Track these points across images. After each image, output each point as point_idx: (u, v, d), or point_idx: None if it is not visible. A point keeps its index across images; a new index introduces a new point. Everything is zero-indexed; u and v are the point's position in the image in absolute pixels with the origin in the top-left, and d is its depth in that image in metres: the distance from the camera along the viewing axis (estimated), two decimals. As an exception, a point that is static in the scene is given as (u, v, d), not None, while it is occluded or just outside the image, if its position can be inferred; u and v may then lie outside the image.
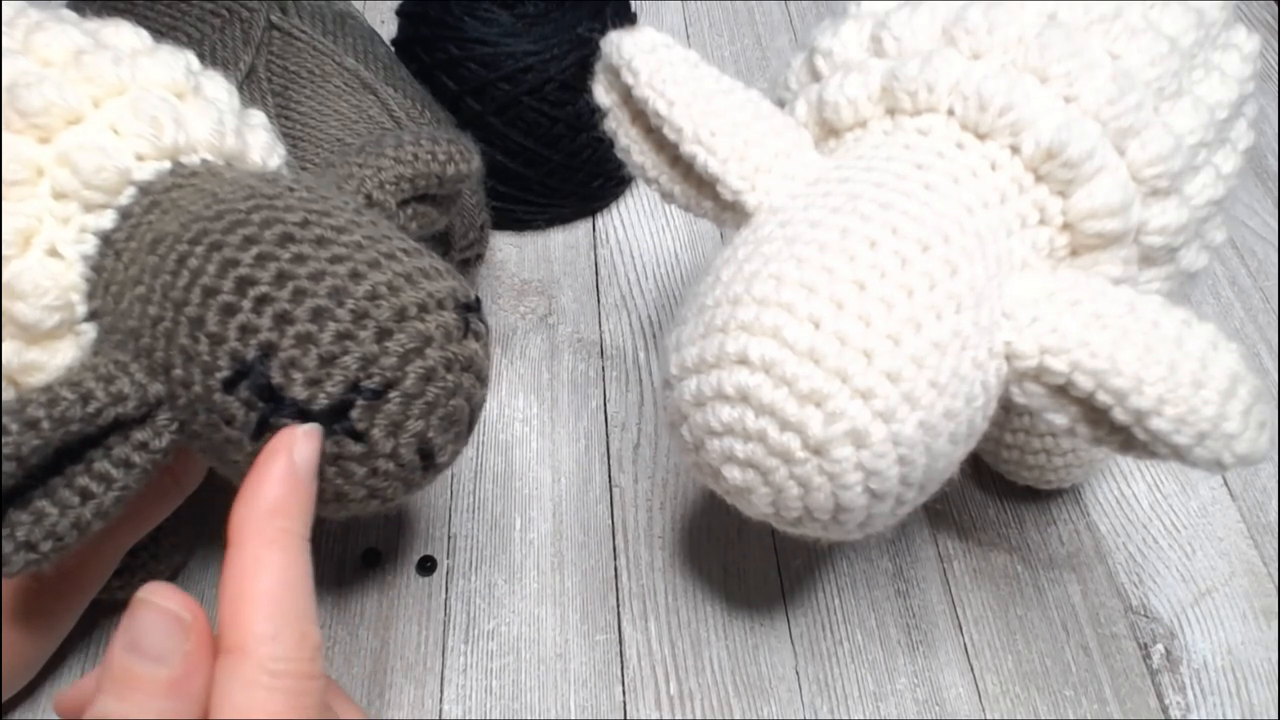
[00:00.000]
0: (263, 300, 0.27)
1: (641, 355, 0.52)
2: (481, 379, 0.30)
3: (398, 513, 0.45)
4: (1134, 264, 0.34)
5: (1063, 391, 0.30)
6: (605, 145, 0.38)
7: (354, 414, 0.27)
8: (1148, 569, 0.44)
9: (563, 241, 0.57)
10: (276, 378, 0.27)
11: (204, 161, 0.31)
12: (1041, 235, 0.32)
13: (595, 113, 0.37)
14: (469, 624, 0.42)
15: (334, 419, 0.27)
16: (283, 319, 0.27)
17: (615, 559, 0.44)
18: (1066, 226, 0.32)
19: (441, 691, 0.40)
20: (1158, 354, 0.28)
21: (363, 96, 0.45)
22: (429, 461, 0.29)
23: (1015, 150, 0.31)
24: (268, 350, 0.27)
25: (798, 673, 0.41)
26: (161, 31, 0.48)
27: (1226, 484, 0.47)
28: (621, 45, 0.34)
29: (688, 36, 0.70)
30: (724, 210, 0.35)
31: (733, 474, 0.30)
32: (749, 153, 0.33)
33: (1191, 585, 0.44)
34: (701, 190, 0.35)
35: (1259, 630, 0.43)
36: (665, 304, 0.54)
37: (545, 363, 0.51)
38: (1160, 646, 0.42)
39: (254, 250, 0.27)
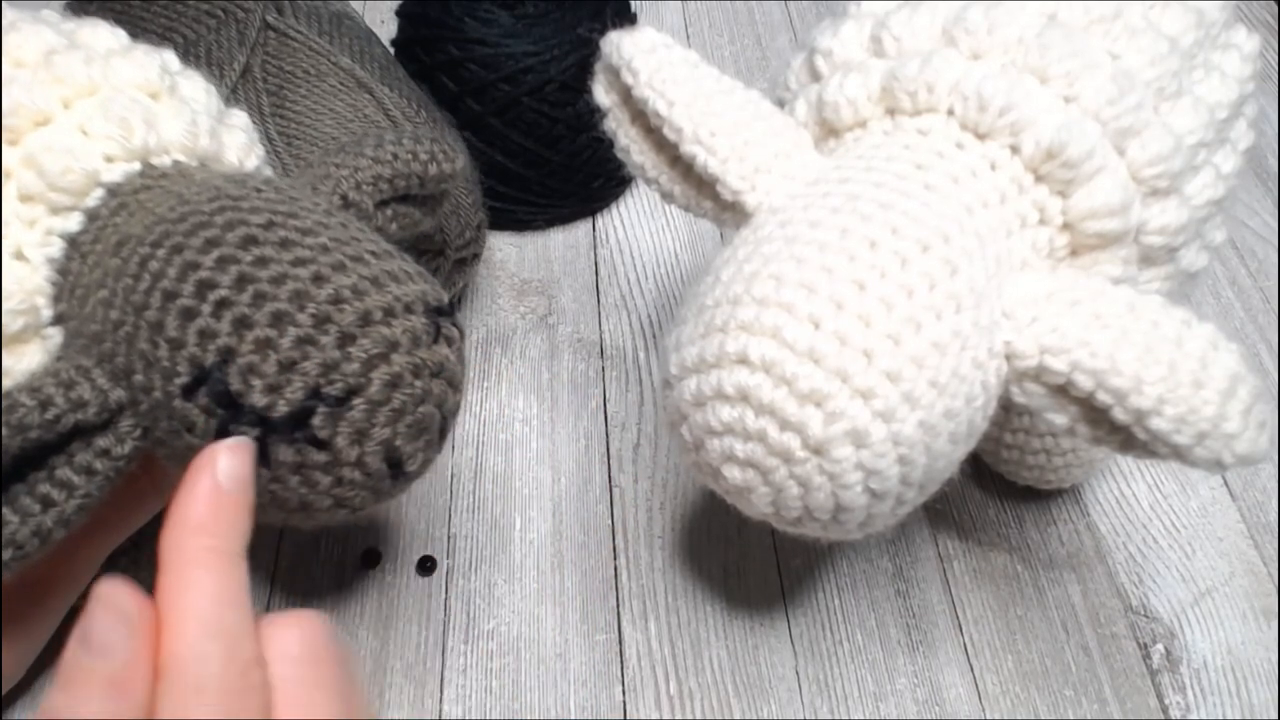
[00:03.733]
0: (222, 304, 0.26)
1: (641, 355, 0.52)
2: (454, 385, 0.30)
3: (397, 513, 0.45)
4: (1134, 264, 0.34)
5: (1063, 391, 0.30)
6: (605, 146, 0.38)
7: (315, 421, 0.26)
8: (1148, 569, 0.44)
9: (563, 241, 0.57)
10: (235, 384, 0.26)
11: (176, 163, 0.31)
12: (1041, 235, 0.32)
13: (595, 113, 0.37)
14: (469, 624, 0.42)
15: (295, 427, 0.26)
16: (242, 323, 0.26)
17: (615, 559, 0.44)
18: (1066, 226, 0.32)
19: (441, 691, 0.40)
20: (1158, 354, 0.28)
21: (358, 96, 0.45)
22: (397, 470, 0.29)
23: (1015, 150, 0.31)
24: (226, 356, 0.26)
25: (798, 673, 0.41)
26: (158, 33, 0.48)
27: (1226, 484, 0.47)
28: (621, 45, 0.34)
29: (688, 36, 0.70)
30: (724, 210, 0.35)
31: (733, 474, 0.30)
32: (749, 153, 0.33)
33: (1191, 585, 0.44)
34: (701, 190, 0.35)
35: (1259, 630, 0.43)
36: (665, 304, 0.54)
37: (545, 363, 0.51)
38: (1160, 646, 0.42)
39: (215, 253, 0.27)
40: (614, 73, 0.35)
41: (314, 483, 0.27)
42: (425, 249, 0.44)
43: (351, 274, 0.27)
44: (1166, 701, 0.41)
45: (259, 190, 0.29)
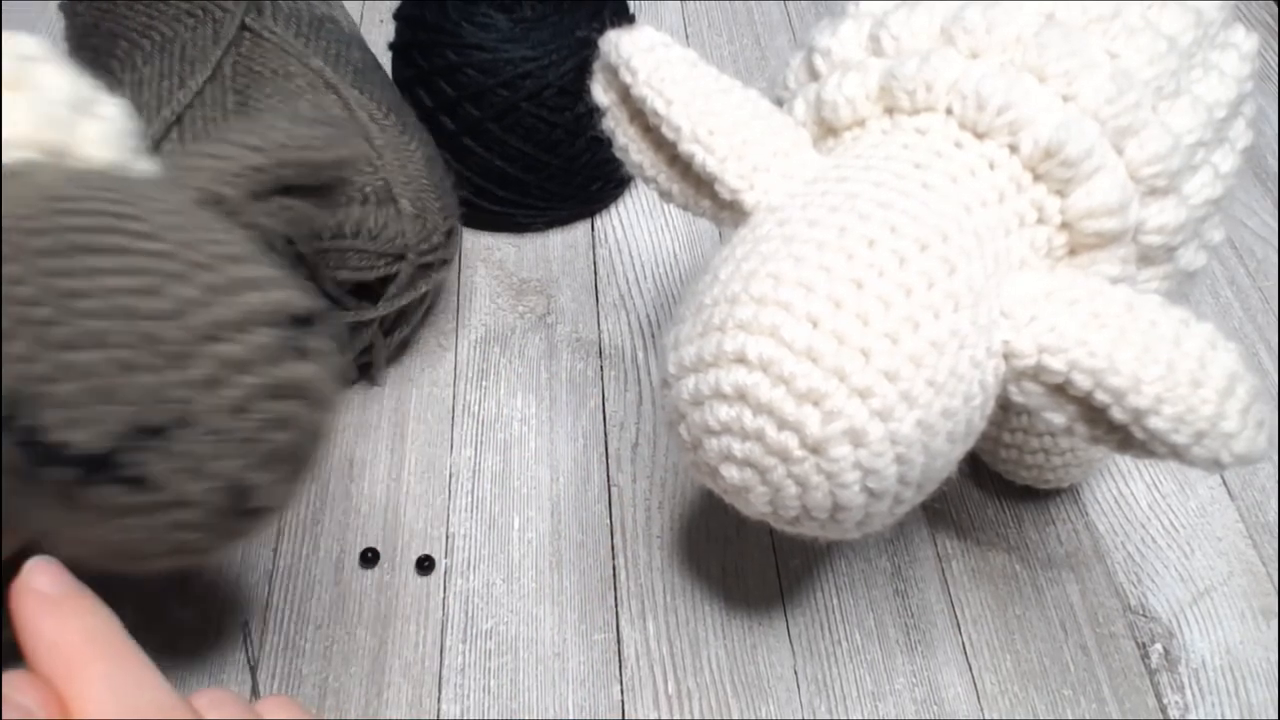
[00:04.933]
0: (30, 322, 0.22)
1: (640, 354, 0.52)
2: (318, 404, 0.26)
3: (395, 512, 0.45)
4: (1132, 263, 0.34)
5: (1061, 390, 0.30)
6: (604, 149, 0.38)
7: (136, 457, 0.23)
8: (1146, 568, 0.44)
9: (561, 241, 0.57)
10: (44, 419, 0.22)
11: (24, 159, 0.27)
12: (1040, 234, 0.32)
13: (594, 117, 0.37)
14: (467, 623, 0.42)
15: (114, 465, 0.23)
16: (51, 346, 0.22)
17: (614, 558, 0.44)
18: (1065, 225, 0.32)
19: (439, 691, 0.40)
20: (1156, 353, 0.28)
21: (324, 96, 0.46)
22: (247, 506, 0.25)
23: (1013, 149, 0.31)
24: (32, 386, 0.22)
25: (796, 672, 0.41)
26: (136, 30, 0.49)
27: (1225, 483, 0.47)
28: (620, 44, 0.34)
29: (686, 36, 0.70)
30: (722, 209, 0.35)
31: (730, 473, 0.30)
32: (747, 152, 0.33)
33: (1190, 585, 0.44)
34: (700, 189, 0.35)
35: (1258, 630, 0.43)
36: (663, 303, 0.54)
37: (544, 362, 0.51)
38: (1159, 646, 0.42)
39: (30, 263, 0.23)
40: (612, 71, 0.35)
41: (141, 527, 0.24)
42: (382, 252, 0.44)
43: (194, 284, 0.24)
44: (1165, 701, 0.41)
45: (105, 189, 0.26)
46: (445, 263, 0.48)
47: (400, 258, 0.45)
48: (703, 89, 0.33)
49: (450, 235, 0.48)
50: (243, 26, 0.47)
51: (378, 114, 0.46)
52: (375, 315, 0.45)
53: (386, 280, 0.45)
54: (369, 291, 0.46)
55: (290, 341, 0.25)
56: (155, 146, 0.45)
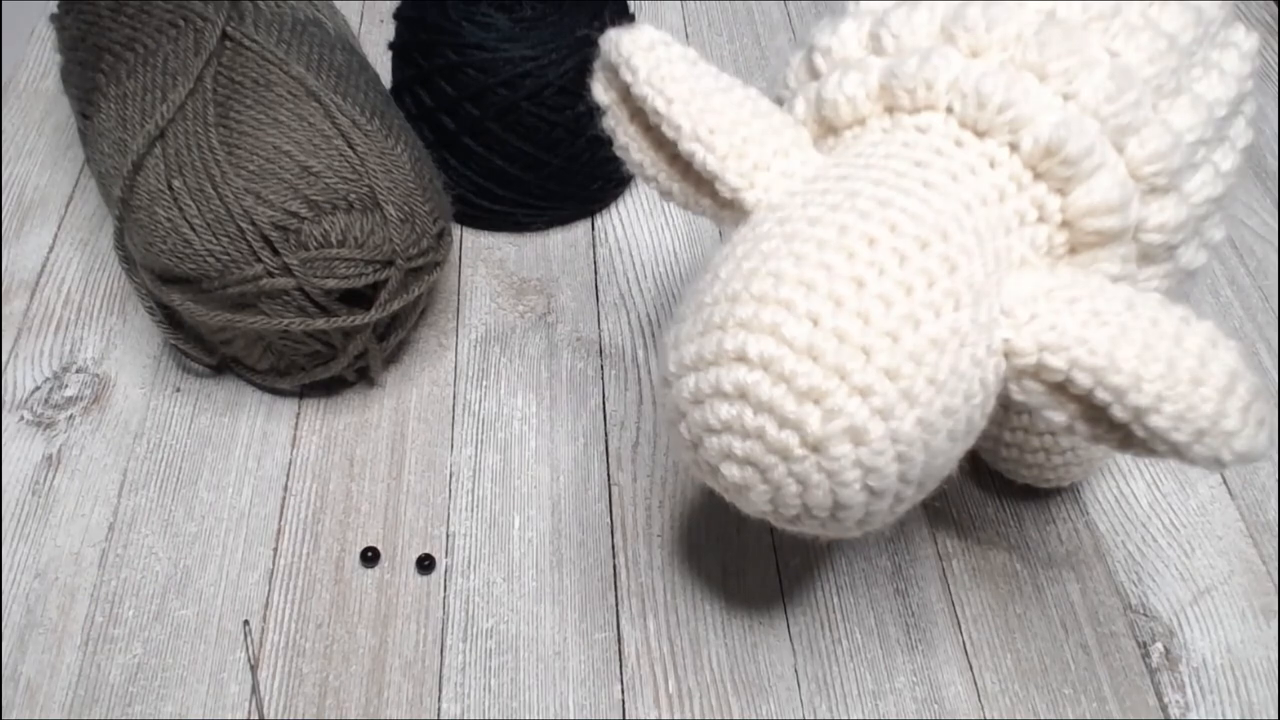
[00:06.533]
0: None
1: (640, 353, 0.52)
2: None
3: (396, 511, 0.45)
4: (1133, 262, 0.34)
5: (1061, 389, 0.30)
6: (604, 148, 0.38)
7: None
8: (1147, 567, 0.44)
9: (562, 240, 0.57)
10: None
11: None
12: (1040, 232, 0.32)
13: (594, 116, 0.37)
14: (467, 622, 0.42)
15: None
16: None
17: (614, 557, 0.44)
18: (1065, 224, 0.32)
19: (440, 690, 0.40)
20: (1156, 351, 0.28)
21: (305, 104, 0.46)
22: None
23: (1014, 147, 0.31)
24: None
25: (796, 671, 0.41)
26: (121, 43, 0.49)
27: (1225, 482, 0.47)
28: (620, 43, 0.34)
29: (686, 36, 0.70)
30: (722, 208, 0.35)
31: (731, 471, 0.30)
32: (747, 150, 0.33)
33: (1190, 584, 0.44)
34: (700, 188, 0.35)
35: (1258, 629, 0.43)
36: (664, 302, 0.54)
37: (544, 361, 0.51)
38: (1159, 645, 0.42)
39: None
40: (612, 70, 0.35)
41: None
42: (370, 259, 0.44)
43: None
44: (1165, 700, 0.41)
45: None
46: (437, 265, 0.48)
47: (389, 264, 0.45)
48: (703, 87, 0.33)
49: (441, 237, 0.48)
50: (224, 35, 0.47)
51: (360, 119, 0.46)
52: (368, 321, 0.45)
53: (378, 286, 0.45)
54: (361, 298, 0.46)
55: None
56: (139, 162, 0.45)
